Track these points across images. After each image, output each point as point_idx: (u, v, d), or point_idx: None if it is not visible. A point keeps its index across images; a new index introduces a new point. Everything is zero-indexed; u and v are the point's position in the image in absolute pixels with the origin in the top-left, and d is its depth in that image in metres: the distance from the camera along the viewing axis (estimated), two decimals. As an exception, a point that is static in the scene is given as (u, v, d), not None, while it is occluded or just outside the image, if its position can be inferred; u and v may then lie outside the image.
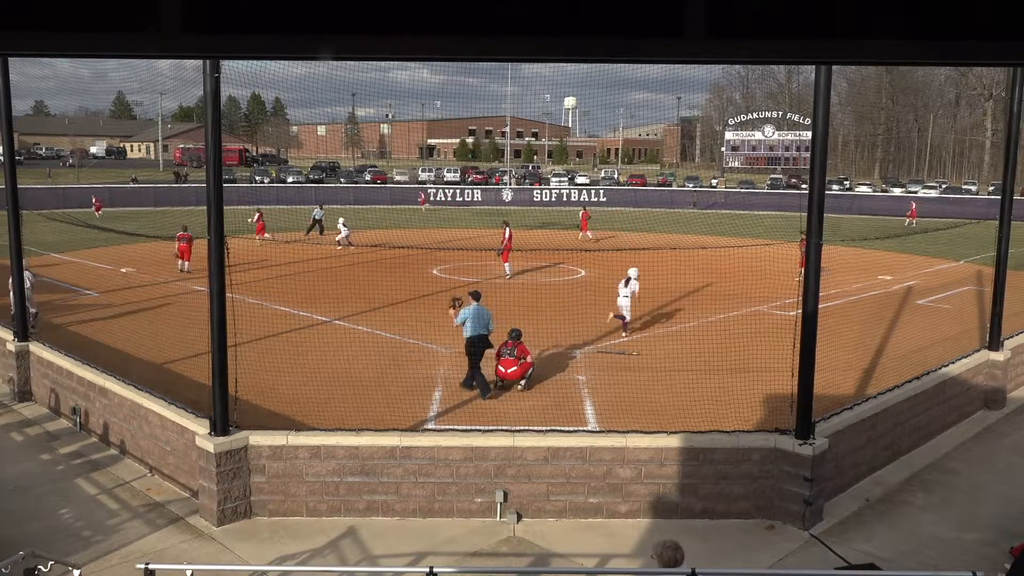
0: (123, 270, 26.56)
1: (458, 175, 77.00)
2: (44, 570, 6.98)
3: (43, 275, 22.37)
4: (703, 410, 11.94)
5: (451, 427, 11.80)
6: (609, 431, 10.95)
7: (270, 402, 12.84)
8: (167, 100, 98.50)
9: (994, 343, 15.21)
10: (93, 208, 45.21)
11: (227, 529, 10.19)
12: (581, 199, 56.73)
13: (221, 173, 10.18)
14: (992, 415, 14.81)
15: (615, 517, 10.48)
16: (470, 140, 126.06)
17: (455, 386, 14.15)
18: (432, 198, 59.13)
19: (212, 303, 10.26)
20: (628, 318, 18.45)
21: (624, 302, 18.21)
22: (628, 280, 18.40)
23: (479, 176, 76.53)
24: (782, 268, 22.81)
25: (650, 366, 15.75)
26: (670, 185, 72.30)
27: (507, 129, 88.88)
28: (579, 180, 77.67)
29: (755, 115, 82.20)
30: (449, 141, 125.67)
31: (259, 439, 10.44)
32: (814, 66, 12.50)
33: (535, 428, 11.22)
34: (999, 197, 15.81)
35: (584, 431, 11.25)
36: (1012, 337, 15.95)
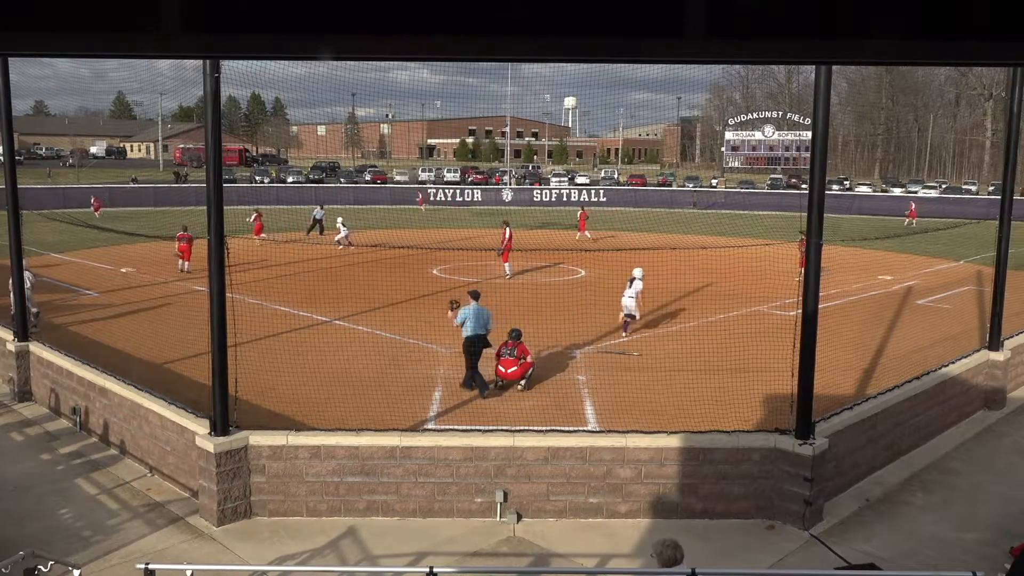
0: (123, 270, 26.56)
1: (458, 175, 77.00)
2: (44, 570, 6.99)
3: (43, 275, 22.37)
4: (703, 410, 11.94)
5: (451, 427, 11.80)
6: (609, 431, 10.95)
7: (270, 402, 12.85)
8: (167, 100, 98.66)
9: (994, 343, 15.21)
10: (92, 208, 45.21)
11: (227, 529, 10.19)
12: (581, 199, 56.74)
13: (221, 173, 10.18)
14: (992, 415, 14.81)
15: (615, 517, 10.49)
16: (470, 140, 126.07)
17: (455, 386, 14.15)
18: (432, 198, 59.15)
19: (212, 303, 10.27)
20: (637, 316, 18.55)
21: (629, 302, 18.26)
22: (632, 280, 18.46)
23: (479, 176, 76.53)
24: (782, 268, 22.85)
25: (650, 366, 15.75)
26: (670, 185, 72.31)
27: (507, 129, 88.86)
28: (579, 180, 77.66)
29: (755, 115, 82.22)
30: (449, 141, 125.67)
31: (259, 439, 10.44)
32: (814, 66, 12.50)
33: (535, 428, 11.22)
34: (999, 197, 15.81)
35: (584, 431, 11.25)
36: (1012, 337, 15.95)
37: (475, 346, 13.89)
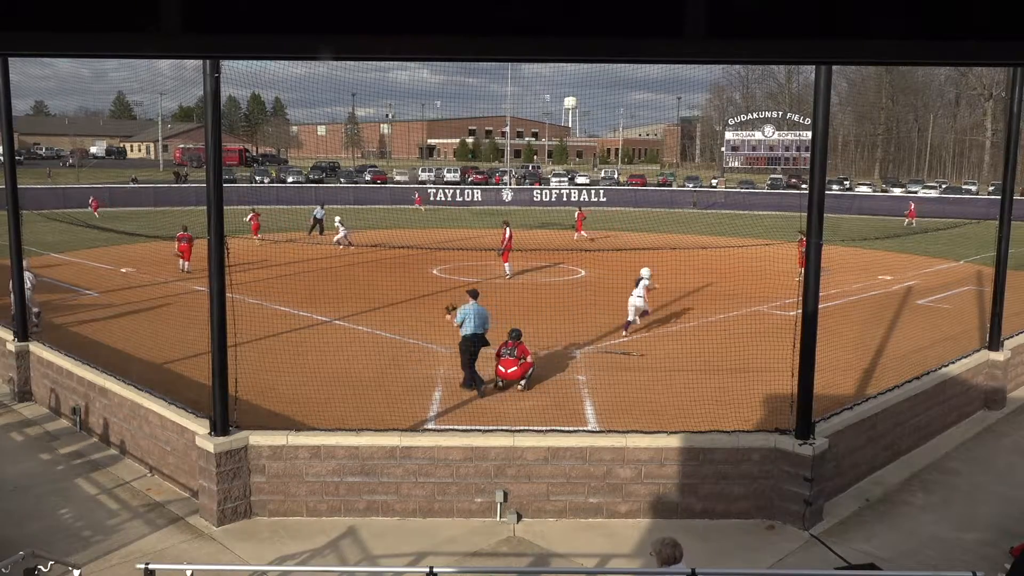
0: (123, 270, 26.56)
1: (458, 175, 77.00)
2: (44, 570, 6.99)
3: (43, 275, 22.36)
4: (703, 410, 11.94)
5: (451, 427, 11.80)
6: (609, 431, 10.95)
7: (270, 402, 12.84)
8: (167, 100, 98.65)
9: (994, 343, 15.21)
10: (90, 207, 45.19)
11: (227, 529, 10.19)
12: (581, 199, 56.74)
13: (221, 173, 10.18)
14: (992, 415, 14.81)
15: (615, 517, 10.49)
16: (470, 140, 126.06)
17: (455, 386, 14.15)
18: (432, 198, 59.15)
19: (212, 303, 10.27)
20: (649, 311, 18.91)
21: (638, 301, 18.37)
22: (640, 280, 18.58)
23: (479, 176, 76.54)
24: (782, 268, 22.85)
25: (650, 366, 15.75)
26: (670, 185, 72.31)
27: (507, 129, 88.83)
28: (579, 180, 77.65)
29: (755, 115, 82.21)
30: (449, 141, 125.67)
31: (259, 439, 10.44)
32: (814, 66, 12.51)
33: (535, 428, 11.22)
34: (999, 197, 15.81)
35: (584, 431, 11.25)
36: (1012, 337, 15.95)
37: (475, 345, 13.91)
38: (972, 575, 6.72)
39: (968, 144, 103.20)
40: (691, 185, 70.79)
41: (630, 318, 18.42)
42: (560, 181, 73.36)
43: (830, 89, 10.28)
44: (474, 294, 14.53)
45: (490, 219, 41.20)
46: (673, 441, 10.48)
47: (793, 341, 10.51)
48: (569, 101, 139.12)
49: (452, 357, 15.26)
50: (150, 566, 6.75)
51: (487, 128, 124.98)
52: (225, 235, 10.26)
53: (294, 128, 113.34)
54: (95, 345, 16.54)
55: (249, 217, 34.15)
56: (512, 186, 67.23)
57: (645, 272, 18.81)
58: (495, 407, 13.17)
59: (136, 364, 14.96)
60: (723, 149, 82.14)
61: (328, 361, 15.16)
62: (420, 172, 79.28)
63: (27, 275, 16.30)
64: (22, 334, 15.36)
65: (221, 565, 9.43)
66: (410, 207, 53.71)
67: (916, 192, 64.75)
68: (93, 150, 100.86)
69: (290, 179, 69.14)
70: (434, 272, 26.77)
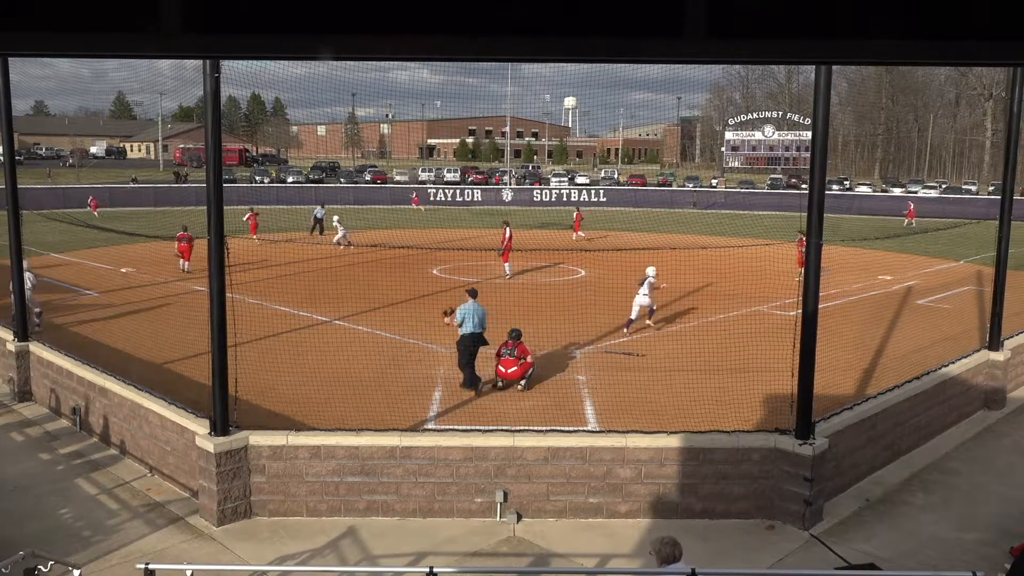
0: (123, 270, 26.56)
1: (458, 175, 77.00)
2: (44, 570, 6.99)
3: (43, 275, 22.35)
4: (703, 410, 11.94)
5: (451, 427, 11.80)
6: (609, 431, 10.95)
7: (270, 402, 12.84)
8: (167, 100, 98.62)
9: (994, 343, 15.21)
10: (89, 207, 45.19)
11: (227, 529, 10.19)
12: (580, 198, 56.73)
13: (221, 173, 10.18)
14: (992, 415, 14.81)
15: (615, 517, 10.49)
16: (470, 140, 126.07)
17: (455, 386, 14.15)
18: (432, 198, 59.14)
19: (212, 303, 10.27)
20: (655, 308, 19.02)
21: (643, 300, 18.43)
22: (645, 279, 18.65)
23: (479, 176, 76.54)
24: (782, 268, 22.86)
25: (650, 366, 15.76)
26: (670, 185, 72.32)
27: (507, 129, 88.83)
28: (579, 180, 77.65)
29: (755, 115, 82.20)
30: (449, 141, 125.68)
31: (259, 439, 10.44)
32: (814, 66, 12.50)
33: (535, 428, 11.22)
34: (999, 197, 15.81)
35: (584, 431, 11.25)
36: (1012, 337, 15.95)
37: (474, 345, 13.93)
38: (972, 575, 6.72)
39: (968, 144, 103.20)
40: (691, 185, 70.80)
41: (633, 316, 18.45)
42: (560, 181, 73.37)
43: (830, 89, 10.28)
44: (473, 293, 14.58)
45: (490, 219, 41.20)
46: (673, 441, 10.48)
47: (793, 341, 10.51)
48: (569, 101, 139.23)
49: (452, 357, 15.24)
50: (150, 566, 6.75)
51: (487, 128, 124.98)
52: (225, 235, 10.26)
53: (294, 128, 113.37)
54: (95, 345, 16.54)
55: (247, 216, 34.13)
56: (512, 186, 67.22)
57: (650, 271, 18.89)
58: (495, 407, 13.17)
59: (136, 364, 14.96)
60: (723, 149, 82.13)
61: (328, 361, 15.16)
62: (420, 172, 79.27)
63: (28, 275, 16.30)
64: (22, 334, 15.36)
65: (221, 565, 9.43)
66: (408, 207, 53.70)
67: (916, 192, 64.77)
68: (93, 150, 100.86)
69: (290, 179, 69.13)
70: (434, 272, 26.77)
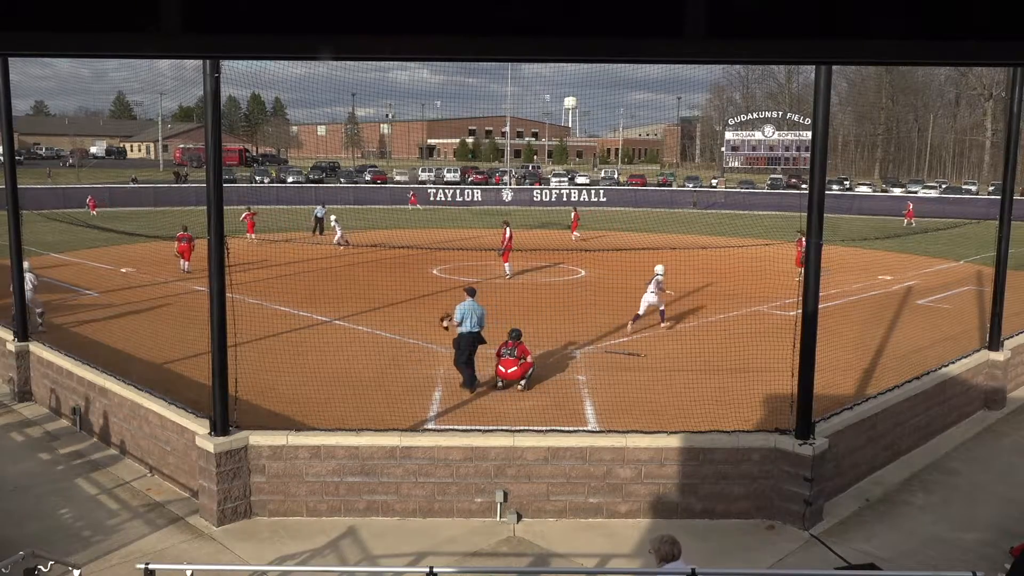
0: (123, 270, 26.56)
1: (458, 175, 77.00)
2: (44, 570, 6.99)
3: (43, 275, 22.35)
4: (703, 410, 11.94)
5: (451, 427, 11.80)
6: (609, 431, 10.95)
7: (270, 402, 12.84)
8: (167, 100, 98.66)
9: (994, 343, 15.21)
10: (88, 207, 45.17)
11: (227, 529, 10.19)
12: (580, 198, 56.72)
13: (221, 173, 10.18)
14: (992, 415, 14.81)
15: (615, 517, 10.49)
16: (470, 140, 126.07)
17: (455, 386, 14.16)
18: (432, 198, 59.14)
19: (212, 303, 10.27)
20: (663, 308, 19.12)
21: (651, 298, 18.48)
22: (653, 278, 18.71)
23: (479, 176, 76.54)
24: (782, 268, 22.87)
25: (650, 366, 15.76)
26: (670, 185, 72.32)
27: (507, 129, 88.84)
28: (579, 180, 77.65)
29: (755, 115, 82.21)
30: (449, 141, 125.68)
31: (259, 439, 10.44)
32: (814, 66, 12.51)
33: (535, 428, 11.22)
34: (999, 197, 15.81)
35: (584, 431, 11.25)
36: (1012, 337, 15.95)
37: (472, 344, 13.93)
38: (972, 575, 6.72)
39: (968, 144, 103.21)
40: (691, 185, 70.80)
41: (641, 311, 18.51)
42: (560, 181, 73.36)
43: (830, 89, 10.28)
44: (471, 292, 14.60)
45: (490, 219, 41.19)
46: (673, 441, 10.48)
47: (793, 341, 10.51)
48: (569, 101, 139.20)
49: (452, 357, 15.25)
50: (150, 566, 6.75)
51: (487, 128, 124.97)
52: (225, 235, 10.26)
53: (294, 128, 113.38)
54: (95, 345, 16.54)
55: (244, 216, 34.11)
56: (512, 186, 67.22)
57: (659, 269, 19.02)
58: (495, 407, 13.17)
59: (136, 364, 14.96)
60: (723, 149, 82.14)
61: (328, 361, 15.16)
62: (420, 172, 79.27)
63: (29, 276, 16.30)
64: (22, 334, 15.36)
65: (221, 565, 9.43)
66: (406, 207, 53.69)
67: (916, 192, 64.78)
68: (93, 150, 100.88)
69: (290, 179, 69.15)
70: (434, 272, 26.77)
